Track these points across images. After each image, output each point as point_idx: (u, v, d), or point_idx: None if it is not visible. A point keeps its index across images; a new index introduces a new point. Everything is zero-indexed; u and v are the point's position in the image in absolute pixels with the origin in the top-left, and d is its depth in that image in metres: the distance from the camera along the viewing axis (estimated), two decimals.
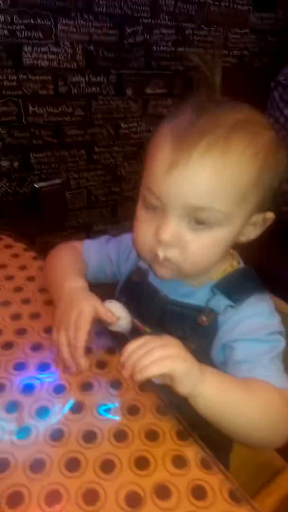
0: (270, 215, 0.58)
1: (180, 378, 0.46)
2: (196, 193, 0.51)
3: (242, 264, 0.66)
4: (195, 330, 0.62)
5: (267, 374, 0.53)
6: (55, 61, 1.37)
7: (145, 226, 0.57)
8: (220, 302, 0.61)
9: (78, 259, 0.75)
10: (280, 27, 1.92)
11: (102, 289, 0.60)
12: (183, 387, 0.47)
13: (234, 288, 0.61)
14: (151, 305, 0.67)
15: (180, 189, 0.51)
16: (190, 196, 0.51)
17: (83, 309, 0.58)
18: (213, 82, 0.55)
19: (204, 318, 0.61)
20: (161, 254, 0.55)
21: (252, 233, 0.59)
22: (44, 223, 1.56)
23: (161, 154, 0.52)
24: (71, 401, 0.55)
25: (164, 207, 0.54)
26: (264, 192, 0.55)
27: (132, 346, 0.48)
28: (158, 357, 0.47)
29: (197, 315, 0.62)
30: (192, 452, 0.49)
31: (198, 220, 0.53)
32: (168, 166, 0.51)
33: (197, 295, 0.62)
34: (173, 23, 1.58)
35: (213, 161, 0.50)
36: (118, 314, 0.60)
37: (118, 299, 0.73)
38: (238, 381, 0.52)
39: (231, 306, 0.60)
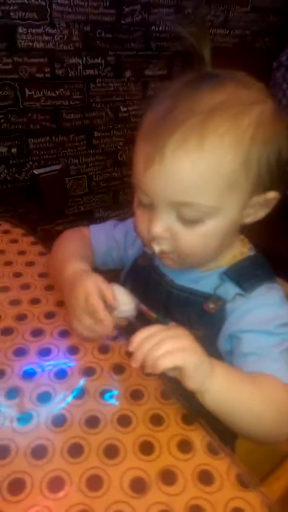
0: (271, 195, 0.54)
1: (190, 371, 0.45)
2: (176, 189, 0.49)
3: (253, 251, 0.63)
4: (201, 317, 0.60)
5: (275, 368, 0.51)
6: (50, 43, 1.33)
7: (140, 221, 0.57)
8: (229, 289, 0.59)
9: (85, 244, 0.74)
10: (282, 5, 1.86)
11: (108, 276, 0.59)
12: (193, 381, 0.45)
13: (244, 276, 0.59)
14: (157, 289, 0.65)
15: (159, 186, 0.50)
16: (171, 192, 0.50)
17: (88, 291, 0.55)
18: (202, 56, 0.52)
19: (211, 305, 0.59)
20: (156, 248, 0.55)
21: (257, 214, 0.56)
22: (44, 210, 1.54)
23: (138, 149, 0.51)
24: (78, 387, 0.53)
25: (152, 202, 0.52)
26: (260, 172, 0.51)
27: (142, 335, 0.46)
28: (170, 349, 0.44)
29: (203, 301, 0.60)
30: (198, 436, 0.48)
31: (185, 215, 0.51)
32: (144, 163, 0.49)
33: (205, 282, 0.60)
34: (172, 2, 1.54)
35: (187, 155, 0.47)
36: (121, 300, 0.58)
37: (124, 283, 0.72)
38: (245, 377, 0.50)
39: (240, 295, 0.58)
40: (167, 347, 0.44)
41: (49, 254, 0.76)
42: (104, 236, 0.75)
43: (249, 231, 0.62)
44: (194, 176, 0.48)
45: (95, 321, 0.55)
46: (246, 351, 0.55)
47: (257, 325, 0.56)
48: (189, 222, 0.51)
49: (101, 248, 0.75)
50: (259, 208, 0.56)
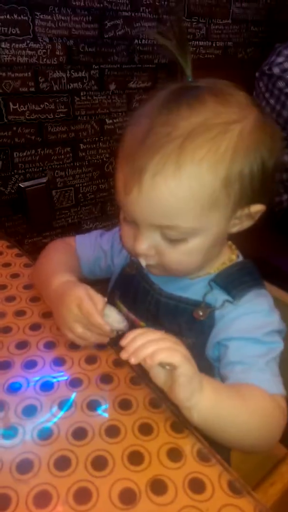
0: (256, 208, 0.54)
1: (184, 379, 0.44)
2: (156, 214, 0.50)
3: (241, 258, 0.64)
4: (191, 325, 0.59)
5: (261, 378, 0.51)
6: (34, 57, 1.34)
7: (126, 236, 0.57)
8: (218, 296, 0.58)
9: (71, 255, 0.73)
10: (262, 16, 1.91)
11: (95, 288, 0.58)
12: (183, 392, 0.44)
13: (232, 282, 0.58)
14: (146, 298, 0.65)
15: (139, 210, 0.50)
16: (151, 217, 0.50)
17: (78, 296, 0.55)
18: (183, 66, 0.52)
19: (200, 313, 0.58)
20: (142, 262, 0.55)
21: (243, 224, 0.56)
22: (31, 223, 1.53)
23: (118, 171, 0.52)
24: (70, 401, 0.52)
25: (135, 221, 0.53)
26: (242, 186, 0.50)
27: (137, 332, 0.45)
28: (168, 346, 0.44)
29: (192, 309, 0.59)
30: (188, 444, 0.47)
31: (168, 235, 0.51)
32: (124, 188, 0.50)
33: (194, 289, 0.60)
34: (154, 16, 1.56)
35: (165, 182, 0.47)
36: (113, 318, 0.57)
37: (112, 292, 0.71)
38: (232, 391, 0.50)
39: (229, 302, 0.57)
40: (166, 344, 0.44)
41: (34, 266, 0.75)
42: (90, 246, 0.75)
43: (236, 238, 0.62)
44: (172, 202, 0.48)
45: (88, 327, 0.55)
46: (233, 360, 0.54)
47: (245, 332, 0.55)
48: (173, 241, 0.52)
49: (88, 257, 0.74)
50: (245, 219, 0.55)
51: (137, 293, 0.66)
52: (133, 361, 0.43)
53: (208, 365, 0.61)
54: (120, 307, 0.69)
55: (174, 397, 0.45)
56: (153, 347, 0.43)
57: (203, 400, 0.45)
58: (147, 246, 0.53)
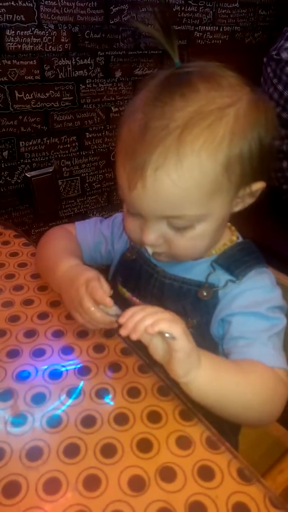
0: (257, 186, 0.54)
1: (181, 354, 0.44)
2: (161, 206, 0.50)
3: (240, 239, 0.64)
4: (195, 306, 0.60)
5: (263, 352, 0.52)
6: (39, 45, 1.32)
7: (132, 228, 0.57)
8: (221, 277, 0.59)
9: (72, 241, 0.73)
10: (271, 0, 1.87)
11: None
12: (180, 367, 0.45)
13: (234, 262, 0.59)
14: (149, 281, 0.65)
15: (146, 204, 0.51)
16: (157, 209, 0.51)
17: (89, 278, 0.55)
18: (172, 55, 0.51)
19: (204, 293, 0.59)
20: (149, 250, 0.56)
21: (244, 202, 0.57)
22: (38, 212, 1.53)
23: (119, 171, 0.52)
24: (78, 389, 0.52)
25: (141, 214, 0.53)
26: (242, 168, 0.50)
27: (135, 308, 0.46)
28: (167, 317, 0.44)
29: (197, 290, 0.60)
30: (197, 432, 0.47)
31: (175, 224, 0.52)
32: (127, 187, 0.50)
33: (197, 270, 0.60)
34: (159, 0, 1.53)
35: (168, 175, 0.47)
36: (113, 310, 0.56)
37: (114, 278, 0.71)
38: (232, 366, 0.50)
39: (232, 281, 0.58)
40: (165, 316, 0.44)
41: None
42: (90, 232, 0.75)
43: (235, 222, 0.63)
44: (177, 193, 0.48)
45: (95, 308, 0.54)
46: (236, 335, 0.55)
47: (247, 307, 0.56)
48: (180, 229, 0.52)
49: (88, 243, 0.74)
50: (247, 197, 0.56)
51: (139, 277, 0.67)
52: (133, 337, 0.44)
53: (212, 344, 0.61)
54: (123, 291, 0.69)
55: (172, 371, 0.46)
56: (153, 318, 0.44)
57: (200, 375, 0.46)
58: (155, 237, 0.53)
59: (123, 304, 0.68)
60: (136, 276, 0.67)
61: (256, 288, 0.57)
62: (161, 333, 0.43)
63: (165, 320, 0.44)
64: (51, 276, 0.65)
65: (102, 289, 0.53)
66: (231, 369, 0.50)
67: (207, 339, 0.61)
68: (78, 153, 1.58)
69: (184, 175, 0.47)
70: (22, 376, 0.53)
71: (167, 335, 0.43)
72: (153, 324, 0.43)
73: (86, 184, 1.66)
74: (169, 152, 0.46)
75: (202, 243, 0.55)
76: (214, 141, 0.47)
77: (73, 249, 0.70)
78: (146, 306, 0.46)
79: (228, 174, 0.49)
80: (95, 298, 0.53)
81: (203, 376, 0.46)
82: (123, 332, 0.45)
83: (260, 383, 0.49)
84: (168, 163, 0.47)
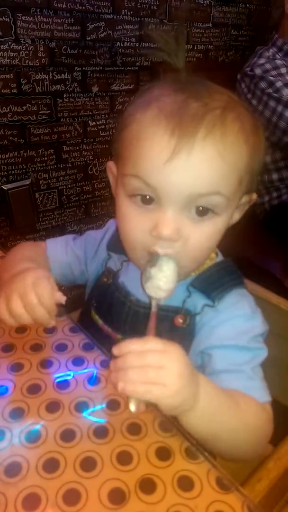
0: (255, 196, 0.56)
1: (164, 409, 0.44)
2: (202, 179, 0.48)
3: (220, 257, 0.63)
4: (171, 333, 0.58)
5: (250, 386, 0.51)
6: (16, 59, 1.33)
7: (137, 223, 0.52)
8: (197, 301, 0.58)
9: (39, 254, 0.70)
10: (242, 20, 1.94)
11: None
12: (169, 409, 0.44)
13: (212, 284, 0.58)
14: (122, 310, 0.63)
15: (184, 178, 0.47)
16: (195, 184, 0.48)
17: (39, 275, 0.52)
18: (177, 65, 0.51)
19: (180, 320, 0.57)
20: (161, 251, 0.50)
21: (234, 217, 0.57)
22: (15, 225, 1.52)
23: (157, 141, 0.47)
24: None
25: (160, 199, 0.49)
26: (252, 174, 0.53)
27: (130, 347, 0.42)
28: (151, 379, 0.41)
29: (173, 316, 0.58)
30: (176, 442, 0.47)
31: (201, 207, 0.49)
32: (169, 155, 0.46)
33: (173, 296, 0.57)
34: (136, 19, 1.57)
35: (215, 145, 0.47)
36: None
37: (89, 302, 0.70)
38: (227, 398, 0.48)
39: (208, 305, 0.57)
40: (150, 376, 0.41)
41: None
42: (61, 249, 0.72)
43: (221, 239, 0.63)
44: (220, 165, 0.48)
45: (32, 305, 0.51)
46: (219, 368, 0.53)
47: (228, 340, 0.55)
48: (199, 220, 0.50)
49: (59, 261, 0.72)
50: (241, 209, 0.57)
51: (111, 305, 0.64)
52: (118, 388, 0.42)
53: None
54: (96, 318, 0.67)
55: (164, 411, 0.45)
56: (136, 377, 0.41)
57: (192, 416, 0.44)
58: (173, 229, 0.49)
59: (95, 331, 0.65)
60: (108, 303, 0.65)
61: (235, 317, 0.56)
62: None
63: (146, 385, 0.40)
64: (4, 275, 0.59)
65: (52, 287, 0.52)
66: (227, 402, 0.48)
67: None
68: (55, 166, 1.58)
69: (227, 149, 0.47)
70: (0, 391, 0.53)
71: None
72: (132, 389, 0.41)
73: (64, 197, 1.66)
74: (216, 124, 0.47)
75: (212, 241, 0.53)
76: (246, 130, 0.50)
77: (38, 260, 0.66)
78: (142, 349, 0.42)
79: (249, 168, 0.51)
80: (41, 293, 0.50)
81: (196, 417, 0.45)
82: (110, 379, 0.43)
83: (253, 420, 0.49)
84: (215, 134, 0.47)
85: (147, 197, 0.50)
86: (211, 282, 0.58)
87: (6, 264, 0.66)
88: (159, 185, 0.48)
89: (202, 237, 0.51)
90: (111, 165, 0.60)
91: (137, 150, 0.49)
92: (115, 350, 0.43)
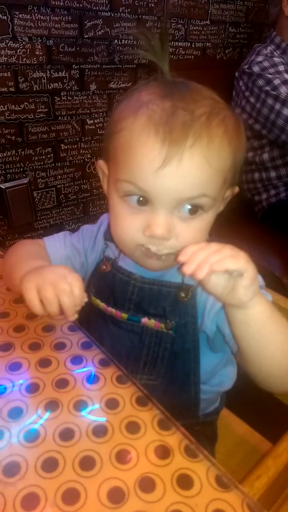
0: (237, 189, 0.61)
1: (248, 281, 0.46)
2: (191, 184, 0.51)
3: (208, 237, 0.65)
4: (175, 307, 0.61)
5: None
6: (13, 57, 1.33)
7: (129, 223, 0.55)
8: None
9: (41, 249, 0.72)
10: (240, 18, 1.93)
11: None
12: (246, 294, 0.47)
13: None
14: (126, 288, 0.65)
15: (174, 183, 0.51)
16: (185, 188, 0.51)
17: (69, 269, 0.55)
18: (162, 66, 0.54)
19: (182, 294, 0.60)
20: (153, 248, 0.54)
21: (221, 207, 0.61)
22: (13, 224, 1.52)
23: (148, 150, 0.50)
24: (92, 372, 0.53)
25: (153, 202, 0.53)
26: (235, 171, 0.56)
27: (195, 247, 0.47)
28: (230, 253, 0.46)
29: (175, 291, 0.61)
30: (175, 441, 0.47)
31: (190, 207, 0.53)
32: (160, 163, 0.50)
33: (172, 273, 0.61)
34: (133, 16, 1.57)
35: (202, 152, 0.50)
36: None
37: (88, 289, 0.71)
38: (278, 312, 0.53)
39: None
40: (228, 252, 0.46)
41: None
42: (60, 245, 0.73)
43: (217, 236, 0.64)
44: (206, 170, 0.51)
45: (65, 293, 0.52)
46: None
47: None
48: (188, 218, 0.54)
49: (59, 255, 0.72)
50: (224, 202, 0.61)
51: (115, 286, 0.66)
52: (199, 276, 0.45)
53: (192, 345, 0.63)
54: (97, 302, 0.69)
55: (235, 300, 0.48)
56: (217, 257, 0.45)
57: (261, 301, 0.49)
58: (166, 229, 0.53)
59: (97, 316, 0.68)
60: (109, 286, 0.67)
61: None
62: (227, 271, 0.45)
63: (229, 257, 0.45)
64: (17, 277, 0.59)
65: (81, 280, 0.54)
66: (279, 316, 0.52)
67: (187, 340, 0.62)
68: (53, 164, 1.58)
69: (214, 155, 0.51)
70: None
71: (235, 273, 0.45)
72: (219, 262, 0.44)
73: (62, 196, 1.66)
74: (202, 132, 0.50)
75: (202, 236, 0.57)
76: (228, 134, 0.52)
77: (42, 255, 0.69)
78: (204, 245, 0.47)
79: (233, 169, 0.55)
80: (73, 283, 0.52)
81: (264, 303, 0.49)
82: (187, 270, 0.45)
83: None
84: (201, 141, 0.50)
85: (140, 199, 0.54)
86: None
87: (13, 261, 0.67)
88: (151, 190, 0.52)
89: (192, 233, 0.55)
90: (101, 164, 0.63)
91: (130, 158, 0.52)
92: (182, 256, 0.46)
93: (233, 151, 0.54)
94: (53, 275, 0.53)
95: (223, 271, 0.46)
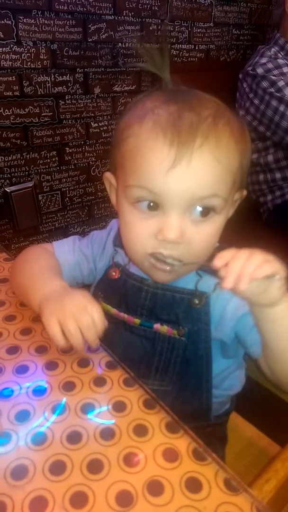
0: (245, 192, 0.60)
1: (281, 281, 0.47)
2: (202, 184, 0.51)
3: (217, 244, 0.65)
4: (188, 314, 0.61)
5: None
6: (18, 61, 1.33)
7: (141, 229, 0.55)
8: (209, 282, 0.60)
9: (53, 260, 0.71)
10: (243, 20, 1.93)
11: None
12: (279, 292, 0.47)
13: None
14: (139, 294, 0.64)
15: (185, 184, 0.51)
16: (196, 188, 0.51)
17: (89, 297, 0.55)
18: (163, 76, 0.55)
19: (196, 301, 0.60)
20: (165, 252, 0.54)
21: (231, 211, 0.60)
22: (18, 227, 1.52)
23: (157, 152, 0.50)
24: (61, 405, 0.51)
25: (164, 205, 0.52)
26: (243, 173, 0.56)
27: (227, 256, 0.46)
28: (265, 258, 0.46)
29: (189, 298, 0.61)
30: (183, 444, 0.47)
31: (203, 209, 0.53)
32: (170, 164, 0.50)
33: (185, 279, 0.61)
34: (137, 19, 1.57)
35: (211, 151, 0.50)
36: None
37: (95, 294, 0.71)
38: None
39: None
40: (260, 258, 0.46)
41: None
42: (69, 251, 0.73)
43: (223, 238, 0.64)
44: (216, 169, 0.51)
45: (87, 327, 0.52)
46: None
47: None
48: (200, 221, 0.53)
49: (68, 262, 0.72)
50: (234, 206, 0.60)
51: (127, 292, 0.66)
52: (242, 287, 0.44)
53: (205, 352, 0.63)
54: (108, 308, 0.69)
55: (268, 299, 0.48)
56: (253, 265, 0.45)
57: (283, 303, 0.49)
58: (178, 233, 0.52)
59: (107, 320, 0.68)
60: (121, 292, 0.66)
61: None
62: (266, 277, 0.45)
63: (265, 263, 0.45)
64: (32, 295, 0.61)
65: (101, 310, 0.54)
66: None
67: (199, 347, 0.62)
68: (58, 167, 1.58)
69: (222, 154, 0.51)
70: (5, 394, 0.52)
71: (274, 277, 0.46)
72: (256, 270, 0.44)
73: (67, 199, 1.66)
74: (210, 132, 0.50)
75: (214, 239, 0.56)
76: (236, 134, 0.53)
77: (56, 268, 0.68)
78: (236, 252, 0.46)
79: (240, 169, 0.55)
80: (94, 315, 0.53)
81: (284, 310, 0.49)
82: (228, 284, 0.45)
83: None
84: (210, 141, 0.50)
85: (151, 204, 0.53)
86: None
87: (26, 276, 0.66)
88: (162, 191, 0.52)
89: (204, 237, 0.55)
90: (108, 176, 0.63)
91: (139, 163, 0.52)
92: (217, 262, 0.46)
93: (240, 152, 0.54)
94: (74, 307, 0.53)
95: (262, 278, 0.45)
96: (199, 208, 0.53)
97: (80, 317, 0.52)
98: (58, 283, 0.61)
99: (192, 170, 0.50)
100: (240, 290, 0.45)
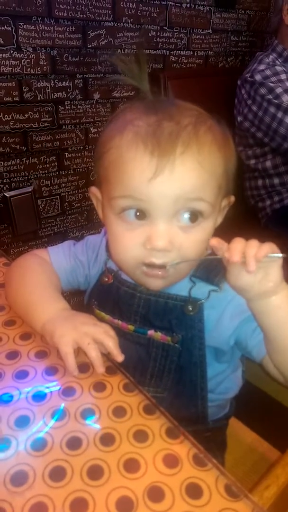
0: (233, 199, 0.61)
1: (280, 264, 0.49)
2: (185, 188, 0.51)
3: (209, 251, 0.65)
4: (181, 320, 0.61)
5: None
6: (18, 67, 1.34)
7: (129, 240, 0.55)
8: (202, 289, 0.60)
9: (50, 271, 0.70)
10: (242, 26, 1.95)
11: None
12: (279, 274, 0.49)
13: (212, 271, 0.61)
14: (132, 301, 0.64)
15: (169, 189, 0.51)
16: (180, 193, 0.51)
17: (95, 318, 0.57)
18: (142, 87, 0.55)
19: (190, 308, 0.60)
20: (157, 261, 0.54)
21: (219, 219, 0.61)
22: (17, 232, 1.52)
23: (138, 162, 0.51)
24: (60, 410, 0.51)
25: (150, 212, 0.52)
26: (228, 179, 0.57)
27: (235, 242, 0.49)
28: (260, 243, 0.48)
29: (182, 305, 0.61)
30: (184, 449, 0.47)
31: (190, 213, 0.53)
32: (152, 174, 0.50)
33: (178, 286, 0.61)
34: (136, 26, 1.58)
35: (193, 157, 0.51)
36: None
37: (90, 302, 0.71)
38: None
39: (214, 291, 0.60)
40: (257, 243, 0.48)
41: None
42: (65, 257, 0.73)
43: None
44: (201, 174, 0.51)
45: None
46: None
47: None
48: (188, 227, 0.54)
49: (64, 269, 0.72)
50: (222, 213, 0.61)
51: (120, 298, 0.66)
52: (251, 268, 0.47)
53: (199, 359, 0.63)
54: (102, 315, 0.68)
55: (270, 282, 0.49)
56: (253, 248, 0.47)
57: (286, 286, 0.51)
58: (167, 239, 0.52)
59: None
60: (114, 298, 0.66)
61: None
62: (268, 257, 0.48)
63: (262, 245, 0.48)
64: (36, 312, 0.61)
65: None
66: None
67: (193, 354, 0.62)
68: (57, 172, 1.58)
69: (205, 159, 0.51)
70: (5, 399, 0.52)
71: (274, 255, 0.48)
72: (259, 252, 0.47)
73: (66, 204, 1.66)
74: (191, 140, 0.51)
75: (203, 245, 0.56)
76: (217, 142, 0.53)
77: (56, 284, 0.68)
78: (237, 239, 0.49)
79: (225, 174, 0.55)
80: (107, 344, 0.55)
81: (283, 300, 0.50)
82: (235, 258, 0.47)
83: None
84: (191, 148, 0.50)
85: (138, 213, 0.53)
86: (211, 270, 0.61)
87: (26, 293, 0.65)
88: (147, 198, 0.52)
89: (194, 243, 0.55)
90: (94, 190, 0.63)
91: (122, 173, 0.52)
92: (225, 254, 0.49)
93: (223, 158, 0.54)
94: (85, 326, 0.56)
95: (264, 258, 0.47)
96: (186, 215, 0.53)
97: (94, 331, 0.55)
98: (62, 305, 0.62)
99: (175, 176, 0.50)
100: (251, 270, 0.47)
